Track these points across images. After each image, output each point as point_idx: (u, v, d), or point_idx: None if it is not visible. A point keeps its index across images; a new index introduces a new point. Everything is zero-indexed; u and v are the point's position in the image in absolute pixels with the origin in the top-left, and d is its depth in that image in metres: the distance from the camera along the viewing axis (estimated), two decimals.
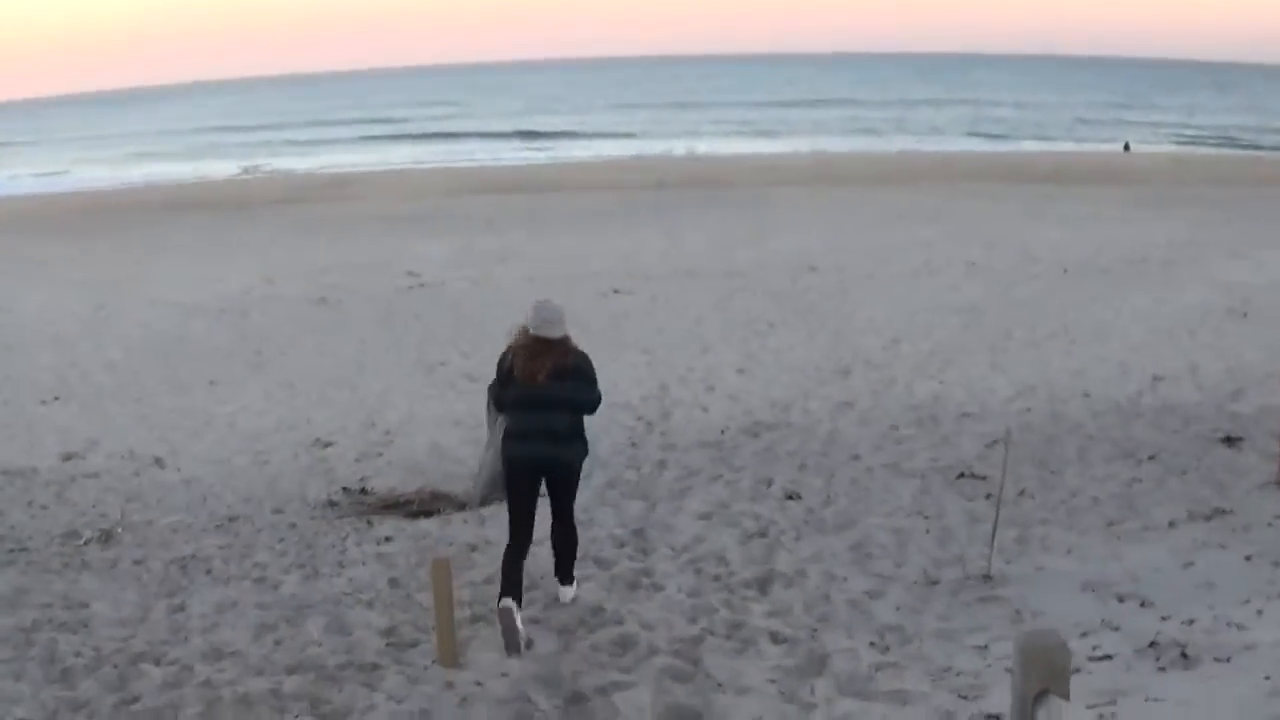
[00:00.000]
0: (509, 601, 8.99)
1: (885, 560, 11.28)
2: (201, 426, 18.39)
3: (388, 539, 12.78)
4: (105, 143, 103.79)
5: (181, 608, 10.96)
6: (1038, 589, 10.14)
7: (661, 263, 29.65)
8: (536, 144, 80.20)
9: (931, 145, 76.93)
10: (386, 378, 20.73)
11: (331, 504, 14.46)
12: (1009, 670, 8.30)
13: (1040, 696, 5.02)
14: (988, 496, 13.17)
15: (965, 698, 7.90)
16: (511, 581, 9.15)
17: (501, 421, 9.54)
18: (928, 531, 12.10)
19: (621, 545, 11.94)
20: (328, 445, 17.17)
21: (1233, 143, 79.90)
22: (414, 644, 9.58)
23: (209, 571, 12.11)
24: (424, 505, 14.12)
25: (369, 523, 13.50)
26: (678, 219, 38.22)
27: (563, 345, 9.19)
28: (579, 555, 10.34)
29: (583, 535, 10.84)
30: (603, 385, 9.81)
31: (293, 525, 13.65)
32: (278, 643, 9.81)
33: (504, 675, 8.74)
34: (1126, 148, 72.94)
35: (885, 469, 14.52)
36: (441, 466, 15.82)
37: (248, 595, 11.19)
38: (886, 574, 10.86)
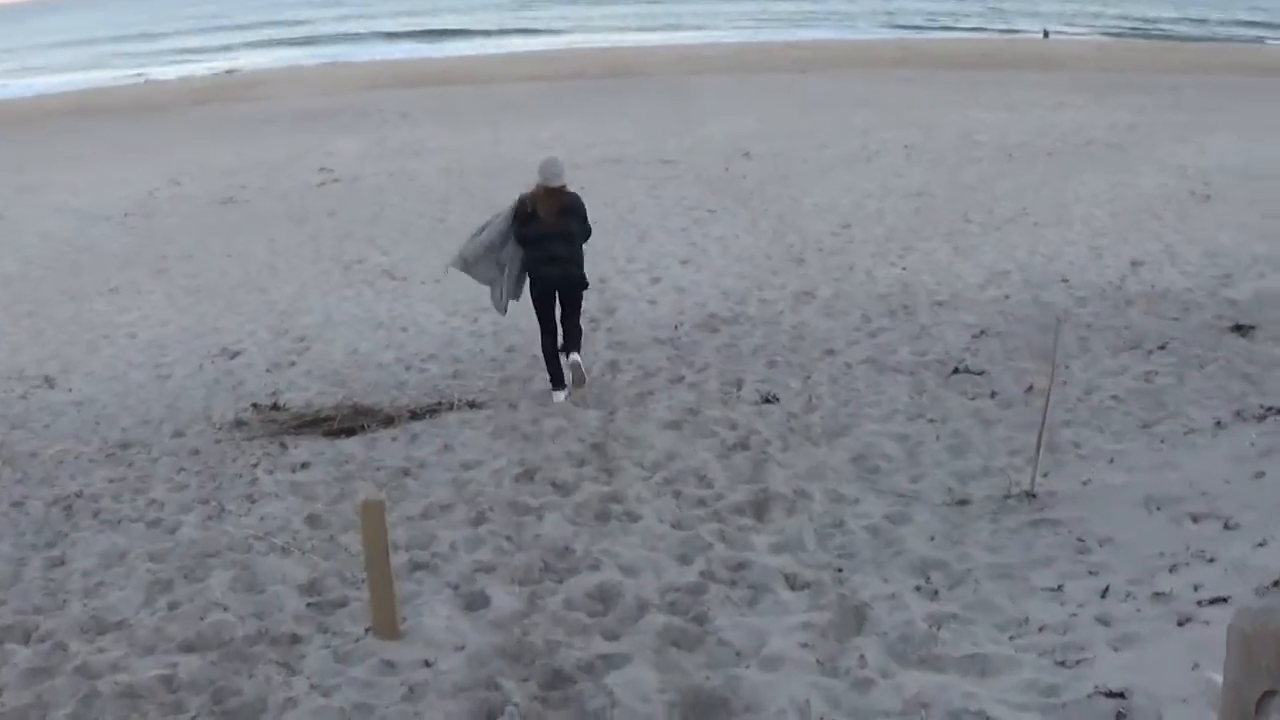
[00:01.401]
0: (560, 394, 12.08)
1: (897, 475, 9.45)
2: (99, 339, 16.43)
3: (304, 465, 10.74)
4: (6, 55, 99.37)
5: (61, 562, 9.04)
6: (1093, 509, 8.33)
7: (585, 152, 27.52)
8: (443, 42, 76.92)
9: (847, 35, 74.84)
10: (299, 279, 18.69)
11: (239, 423, 12.38)
12: (1102, 622, 6.57)
13: (1268, 699, 3.53)
14: (993, 395, 11.42)
15: (1064, 664, 6.03)
16: (556, 373, 12.18)
17: (516, 251, 11.91)
18: (937, 438, 10.28)
19: (581, 464, 10.02)
20: (235, 355, 15.14)
21: (1150, 32, 78.52)
22: (341, 604, 7.62)
23: (96, 513, 10.08)
24: (345, 422, 12.05)
25: (282, 445, 11.44)
26: (601, 109, 36.06)
27: (564, 190, 11.76)
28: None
29: (533, 451, 10.28)
30: None
31: (195, 451, 11.58)
32: (173, 607, 7.80)
33: (459, 649, 6.74)
34: (1045, 35, 71.59)
35: (866, 365, 12.67)
36: (363, 375, 13.77)
37: (139, 543, 9.20)
38: (904, 492, 9.03)
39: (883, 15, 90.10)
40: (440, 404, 12.33)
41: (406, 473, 10.25)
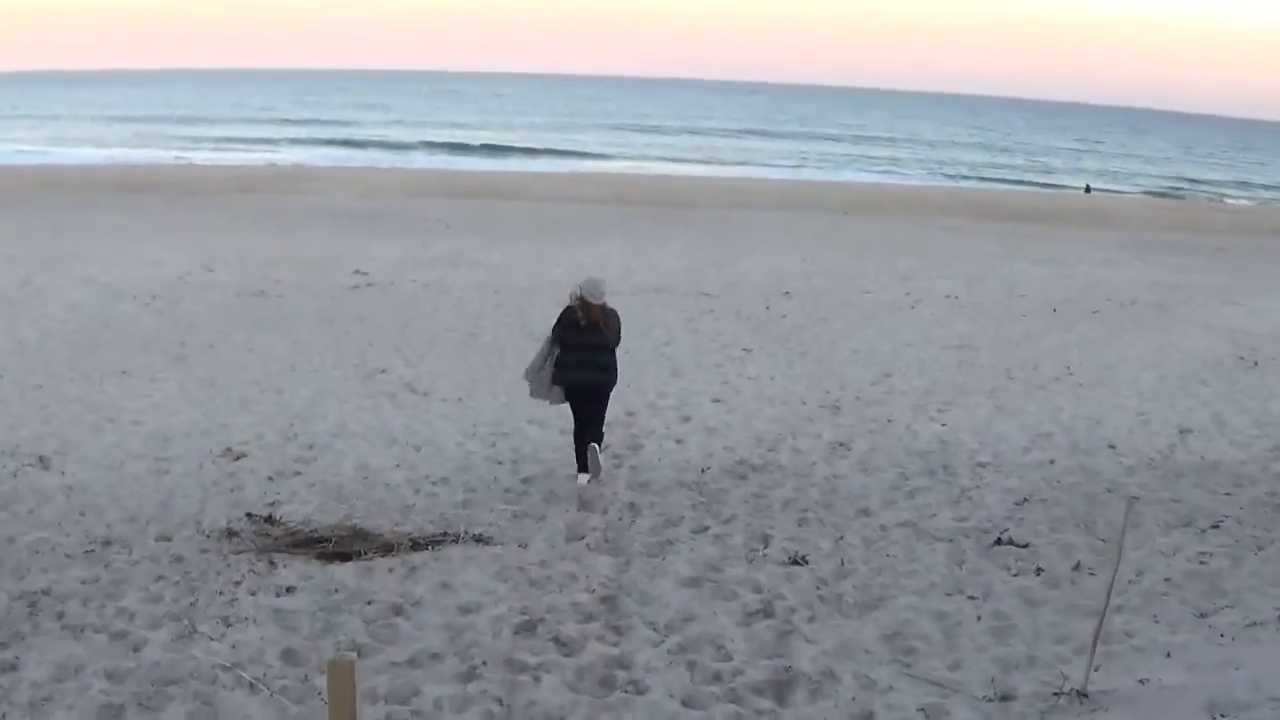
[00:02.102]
0: (584, 477, 13.15)
1: (935, 659, 8.51)
2: (103, 422, 15.59)
3: (290, 590, 9.85)
4: (57, 122, 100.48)
5: (13, 666, 8.26)
6: (1153, 714, 7.34)
7: (626, 279, 26.82)
8: (488, 158, 76.90)
9: (891, 179, 74.76)
10: (319, 382, 17.87)
11: (230, 533, 11.48)
12: None
13: None
14: (1038, 572, 10.49)
15: None
16: (582, 460, 13.16)
17: (554, 355, 13.11)
18: (979, 619, 9.33)
19: (588, 619, 9.12)
20: (240, 457, 14.26)
21: (1191, 193, 78.50)
22: None
23: (60, 616, 9.26)
24: (341, 545, 11.14)
25: (271, 563, 10.54)
26: (643, 236, 35.45)
27: (604, 306, 13.06)
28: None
29: (539, 599, 9.51)
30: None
31: (178, 559, 10.69)
32: None
33: None
34: (1088, 190, 71.55)
35: (903, 529, 11.75)
36: (368, 494, 12.88)
37: (99, 657, 8.37)
38: (942, 681, 8.08)
39: (930, 163, 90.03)
40: (445, 535, 11.43)
41: (398, 611, 9.35)
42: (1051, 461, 14.61)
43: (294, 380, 17.96)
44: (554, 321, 13.24)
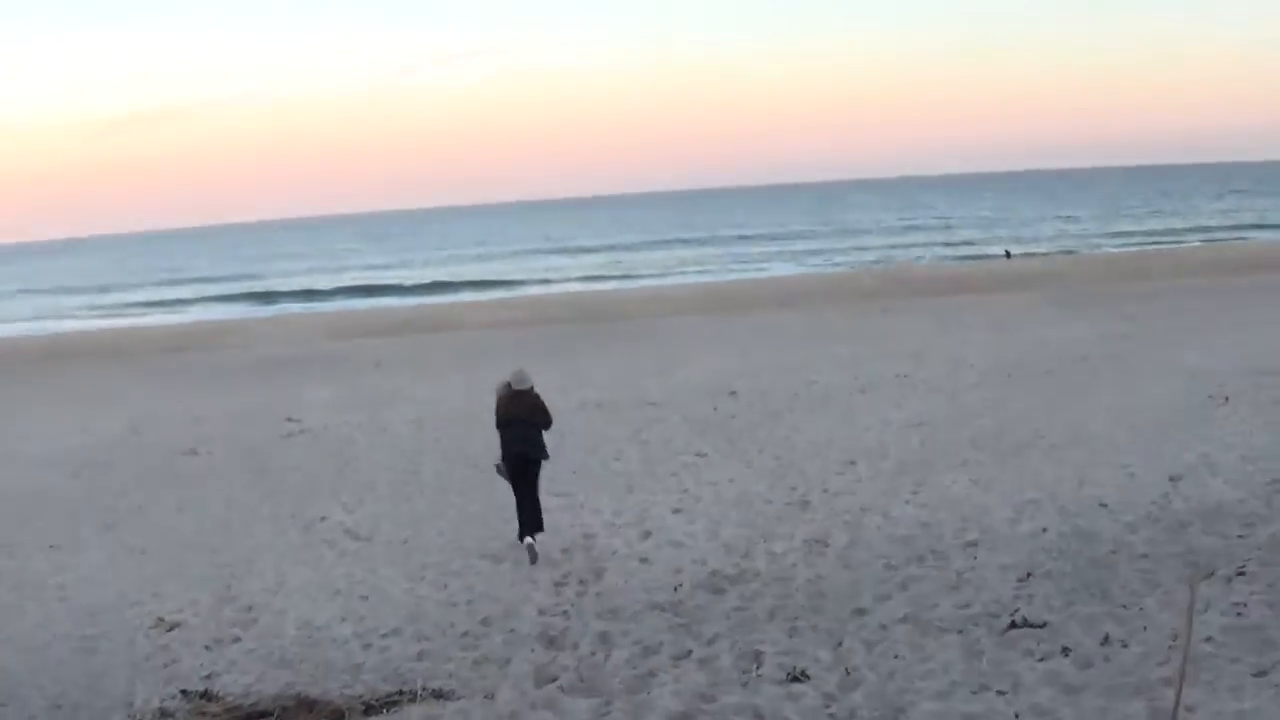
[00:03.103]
0: (529, 538, 14.45)
1: None
2: (27, 601, 14.39)
3: None
4: None
5: None
6: None
7: (565, 396, 25.61)
8: (410, 297, 75.73)
9: (812, 269, 74.39)
10: (255, 537, 16.62)
11: (164, 714, 10.22)
12: None
13: None
14: (1065, 652, 9.40)
15: None
16: (523, 520, 14.62)
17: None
18: (1016, 716, 8.17)
19: None
20: (173, 627, 12.96)
21: (1105, 245, 79.11)
22: None
23: None
24: (286, 717, 9.87)
25: None
26: (578, 353, 34.43)
27: (530, 393, 15.13)
28: None
29: None
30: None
31: None
32: None
33: None
34: (1008, 255, 71.57)
35: (905, 625, 10.60)
36: (313, 654, 11.59)
37: None
38: None
39: (850, 249, 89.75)
40: (401, 693, 10.18)
41: None
42: (1044, 530, 13.60)
43: (229, 538, 16.70)
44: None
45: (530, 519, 14.67)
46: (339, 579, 14.20)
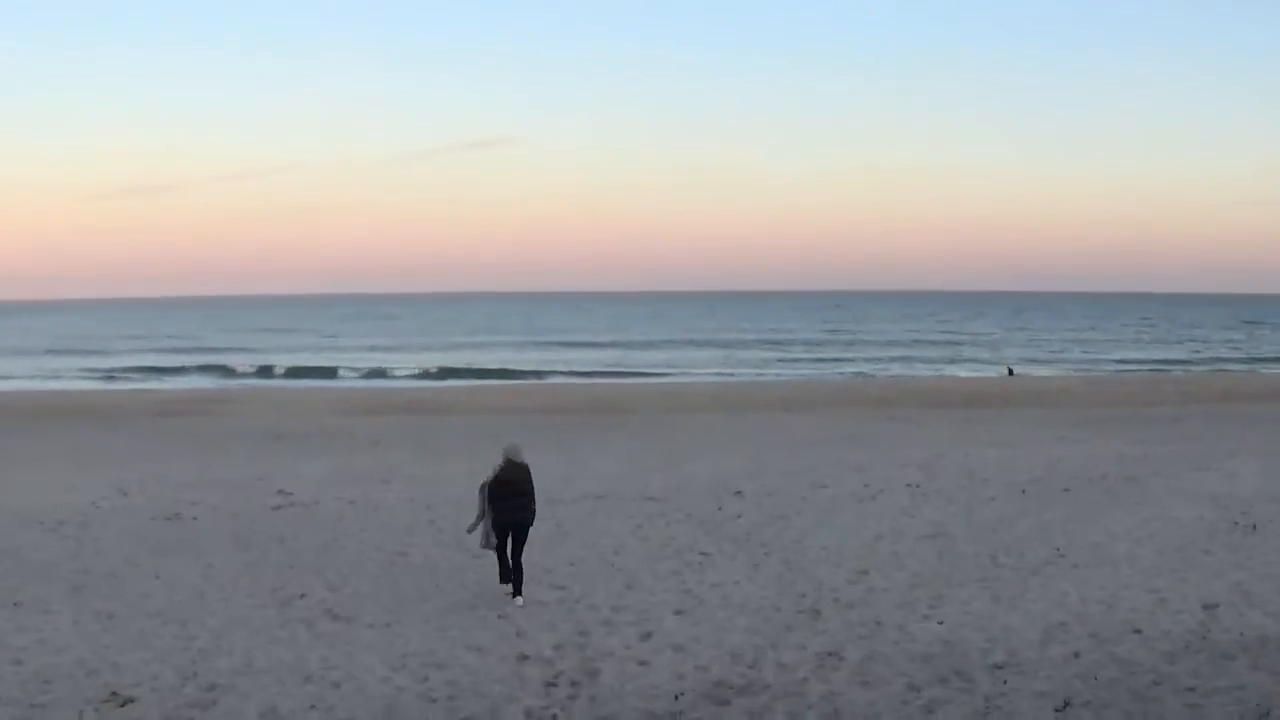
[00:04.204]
0: (520, 597, 15.79)
1: None
2: None
3: None
4: None
5: None
6: None
7: (566, 486, 24.57)
8: (419, 382, 74.60)
9: (818, 374, 73.65)
10: (229, 611, 15.39)
11: None
12: None
13: None
14: None
15: None
16: (504, 571, 16.13)
17: (489, 508, 15.98)
18: None
19: None
20: (126, 702, 11.80)
21: (1107, 366, 78.64)
22: None
23: None
24: None
25: None
26: (581, 443, 33.30)
27: (524, 465, 16.17)
28: None
29: None
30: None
31: None
32: None
33: None
34: (1010, 373, 71.19)
35: None
36: None
37: None
38: None
39: (856, 360, 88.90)
40: None
41: None
42: (1076, 655, 12.45)
43: (201, 610, 15.48)
44: (486, 482, 16.11)
45: (518, 579, 15.95)
46: (313, 662, 12.99)
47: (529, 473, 16.25)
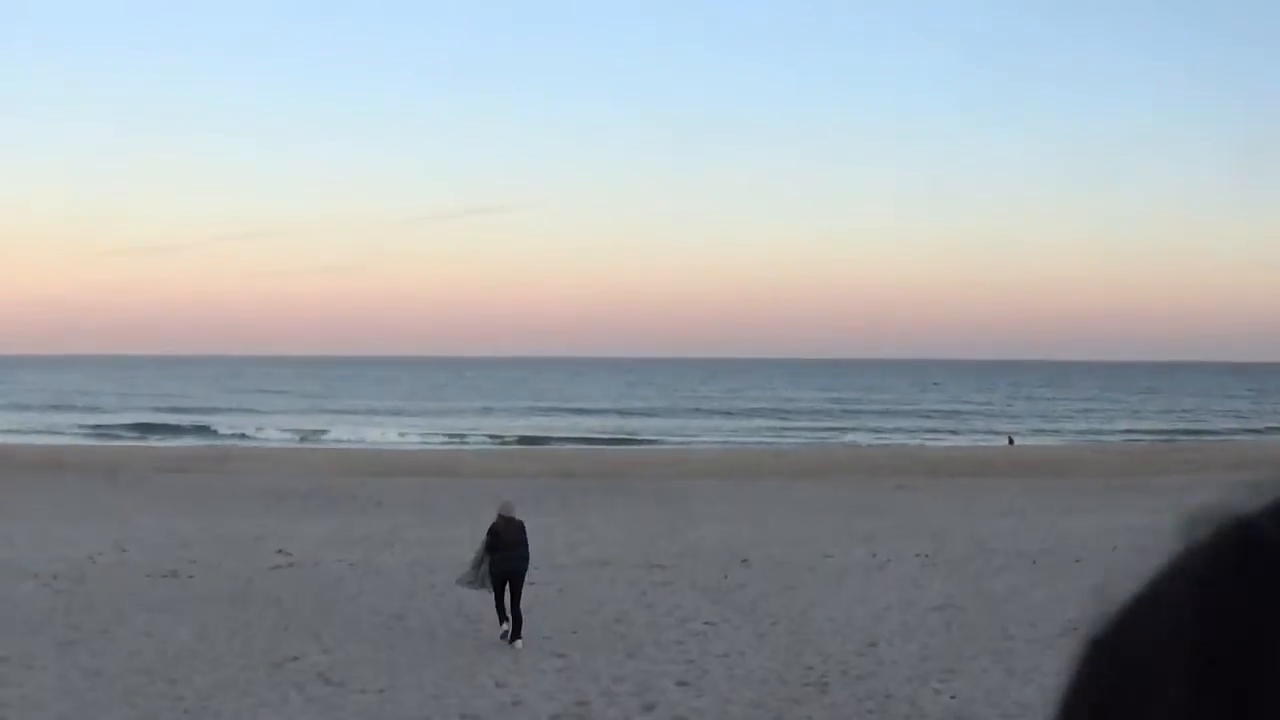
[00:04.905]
0: (506, 626, 16.75)
1: None
2: None
3: None
4: None
5: None
6: None
7: (570, 552, 24.07)
8: (424, 443, 74.31)
9: (830, 442, 73.37)
10: (219, 671, 14.92)
11: None
12: None
13: None
14: None
15: None
16: (501, 614, 16.90)
17: (486, 559, 17.14)
18: None
19: None
20: None
21: (1119, 434, 78.53)
22: None
23: None
24: None
25: None
26: (585, 507, 32.85)
27: (517, 520, 17.56)
28: None
29: None
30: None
31: None
32: None
33: None
34: (1010, 441, 71.03)
35: None
36: None
37: None
38: None
39: (859, 430, 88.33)
40: None
41: None
42: None
43: (191, 669, 14.97)
44: (485, 535, 17.43)
45: (517, 624, 16.78)
46: None
47: (523, 527, 17.68)
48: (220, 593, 20.12)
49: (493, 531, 17.45)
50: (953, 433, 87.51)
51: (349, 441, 73.20)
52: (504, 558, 17.06)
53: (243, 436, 76.32)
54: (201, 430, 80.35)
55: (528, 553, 17.47)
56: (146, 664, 15.18)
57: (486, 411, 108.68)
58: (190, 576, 21.49)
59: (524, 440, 75.93)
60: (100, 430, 78.04)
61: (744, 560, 23.40)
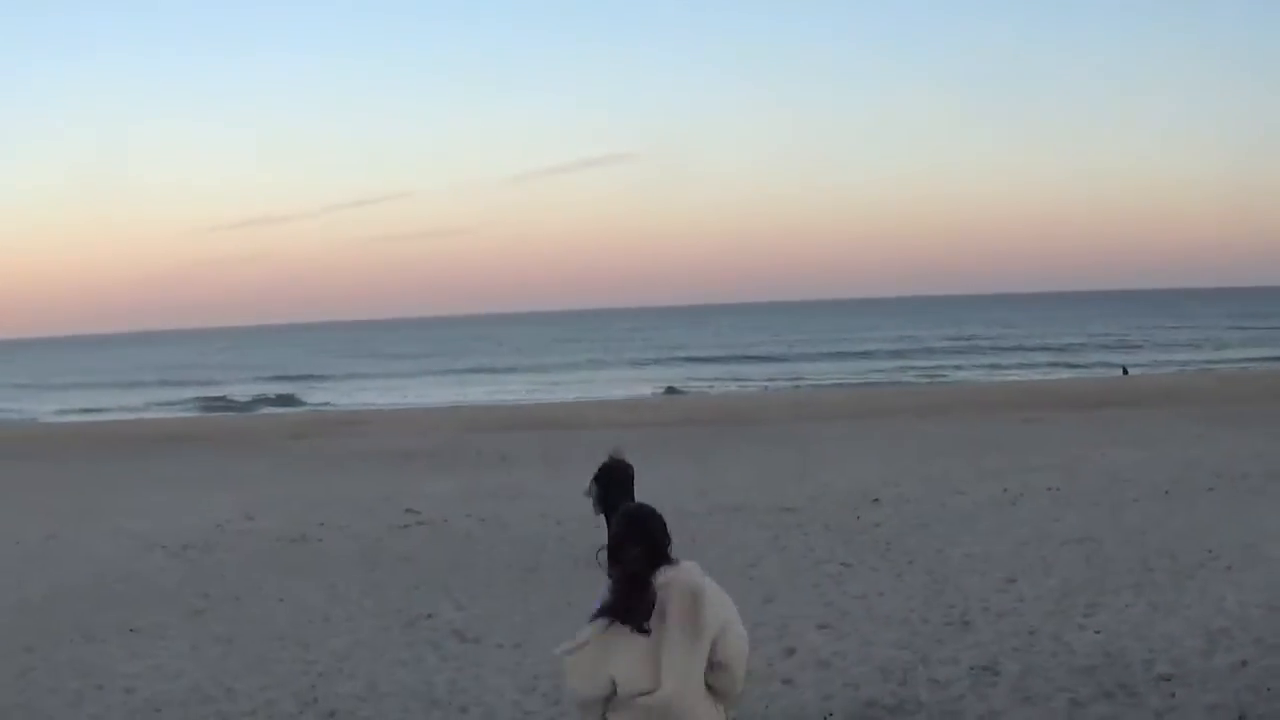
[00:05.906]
0: None
1: None
2: (89, 690, 12.66)
3: None
4: (95, 383, 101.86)
5: None
6: None
7: (700, 499, 23.87)
8: (538, 393, 74.56)
9: (950, 379, 72.70)
10: (353, 632, 14.82)
11: None
12: None
13: None
14: None
15: None
16: None
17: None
18: None
19: None
20: None
21: (1233, 360, 77.19)
22: None
23: None
24: None
25: None
26: (713, 454, 32.62)
27: (627, 463, 18.60)
28: None
29: None
30: None
31: None
32: None
33: None
34: (1125, 372, 70.05)
35: None
36: None
37: None
38: None
39: (974, 368, 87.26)
40: None
41: None
42: (1244, 664, 11.44)
43: (324, 632, 14.93)
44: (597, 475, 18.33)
45: None
46: (439, 686, 12.37)
47: (633, 473, 18.37)
48: (350, 553, 20.15)
49: (602, 476, 18.31)
50: (1069, 366, 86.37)
51: (471, 397, 73.84)
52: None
53: (360, 401, 77.36)
54: (320, 395, 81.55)
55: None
56: (279, 629, 15.16)
57: (601, 365, 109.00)
58: (319, 540, 21.54)
59: (652, 388, 76.06)
60: (219, 402, 79.41)
61: (875, 500, 23.05)
